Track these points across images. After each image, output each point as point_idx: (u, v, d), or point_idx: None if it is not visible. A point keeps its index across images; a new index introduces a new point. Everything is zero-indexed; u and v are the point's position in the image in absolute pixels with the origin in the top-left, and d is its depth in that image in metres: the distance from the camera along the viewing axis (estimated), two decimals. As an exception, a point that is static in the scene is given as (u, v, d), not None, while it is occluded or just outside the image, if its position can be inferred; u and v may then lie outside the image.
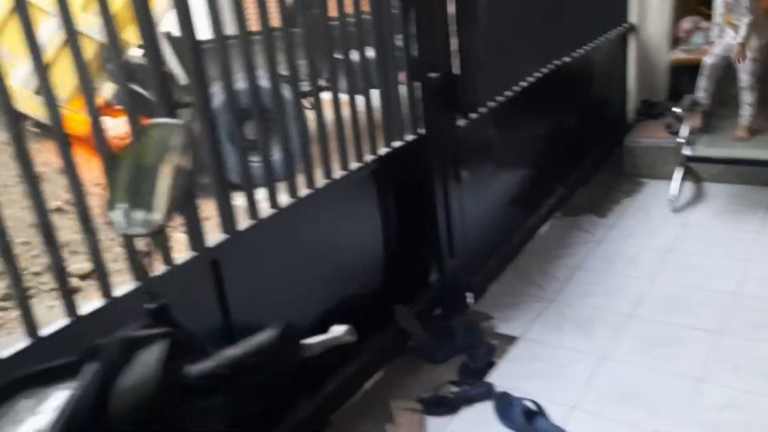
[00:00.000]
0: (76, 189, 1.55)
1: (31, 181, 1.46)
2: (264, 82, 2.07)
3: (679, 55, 4.61)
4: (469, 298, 3.03)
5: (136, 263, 1.72)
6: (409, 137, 2.68)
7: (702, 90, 4.02)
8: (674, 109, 3.86)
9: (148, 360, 0.68)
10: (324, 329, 0.93)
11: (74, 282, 3.83)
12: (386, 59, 2.49)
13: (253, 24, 2.28)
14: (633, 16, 4.68)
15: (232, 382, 0.71)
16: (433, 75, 2.60)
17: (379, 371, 2.64)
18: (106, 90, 4.80)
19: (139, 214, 0.87)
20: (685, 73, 4.67)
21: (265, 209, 2.11)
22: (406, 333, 2.75)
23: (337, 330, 0.87)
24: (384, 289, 2.71)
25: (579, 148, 4.22)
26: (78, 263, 3.95)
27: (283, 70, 2.10)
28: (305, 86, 2.38)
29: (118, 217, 0.87)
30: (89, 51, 4.43)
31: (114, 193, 0.88)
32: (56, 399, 0.70)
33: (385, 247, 2.70)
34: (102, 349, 0.71)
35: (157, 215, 0.86)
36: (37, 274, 3.98)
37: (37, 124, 4.25)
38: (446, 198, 2.79)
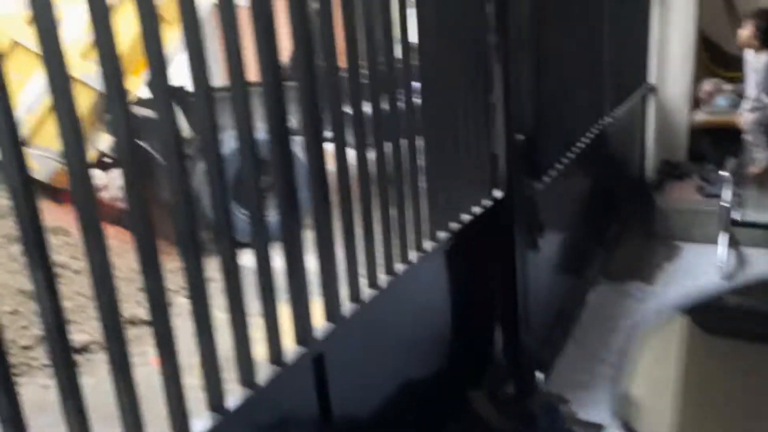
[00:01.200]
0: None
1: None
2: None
3: (703, 117, 4.57)
4: (539, 375, 2.77)
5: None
6: (487, 203, 2.45)
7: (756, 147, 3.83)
8: (721, 172, 3.74)
9: None
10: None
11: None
12: (482, 115, 2.27)
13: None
14: (652, 77, 4.65)
15: None
16: (519, 136, 2.39)
17: (458, 467, 2.34)
18: (103, 143, 4.43)
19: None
20: (705, 135, 4.64)
21: (366, 291, 1.82)
22: (482, 420, 2.46)
23: None
24: (452, 369, 2.44)
25: (608, 209, 4.08)
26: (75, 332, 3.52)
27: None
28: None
29: None
30: (87, 101, 4.09)
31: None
32: None
33: (453, 322, 2.43)
34: None
35: None
36: (27, 347, 3.52)
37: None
38: (523, 268, 2.55)
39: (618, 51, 3.83)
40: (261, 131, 1.47)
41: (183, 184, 1.28)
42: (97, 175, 4.28)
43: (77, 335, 3.43)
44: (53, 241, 4.02)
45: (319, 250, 1.63)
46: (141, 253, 1.20)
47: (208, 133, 1.33)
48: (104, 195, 4.25)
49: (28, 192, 1.01)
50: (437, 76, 2.13)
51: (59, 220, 4.01)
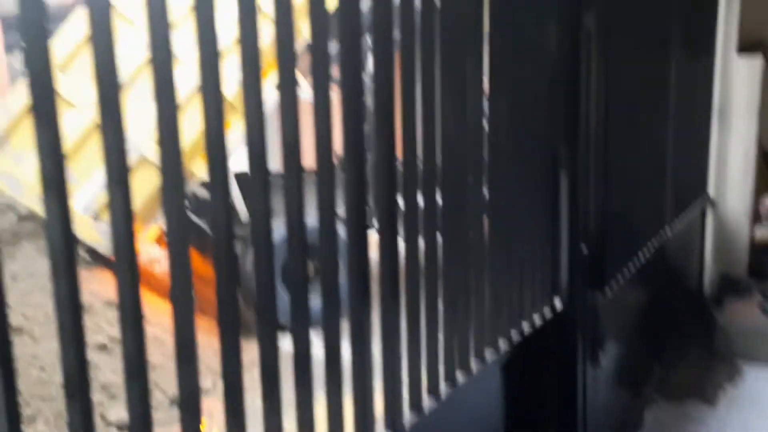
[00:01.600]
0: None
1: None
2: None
3: (764, 233, 4.46)
4: (595, 502, 2.59)
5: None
6: (547, 312, 2.39)
7: None
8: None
9: None
10: None
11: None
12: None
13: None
14: (712, 190, 4.58)
15: None
16: (583, 247, 2.35)
17: None
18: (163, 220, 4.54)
19: None
20: (765, 252, 4.51)
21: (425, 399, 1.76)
22: None
23: None
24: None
25: (666, 323, 3.93)
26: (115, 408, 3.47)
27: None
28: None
29: None
30: (153, 180, 4.22)
31: None
32: None
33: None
34: None
35: None
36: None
37: (90, 251, 3.94)
38: (583, 382, 2.44)
39: (679, 162, 3.81)
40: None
41: (267, 269, 1.30)
42: (157, 251, 4.37)
43: (114, 411, 3.39)
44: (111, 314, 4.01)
45: (384, 356, 1.60)
46: (223, 334, 1.22)
47: (295, 214, 1.35)
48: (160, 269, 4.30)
49: (135, 283, 1.05)
50: (506, 179, 2.13)
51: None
